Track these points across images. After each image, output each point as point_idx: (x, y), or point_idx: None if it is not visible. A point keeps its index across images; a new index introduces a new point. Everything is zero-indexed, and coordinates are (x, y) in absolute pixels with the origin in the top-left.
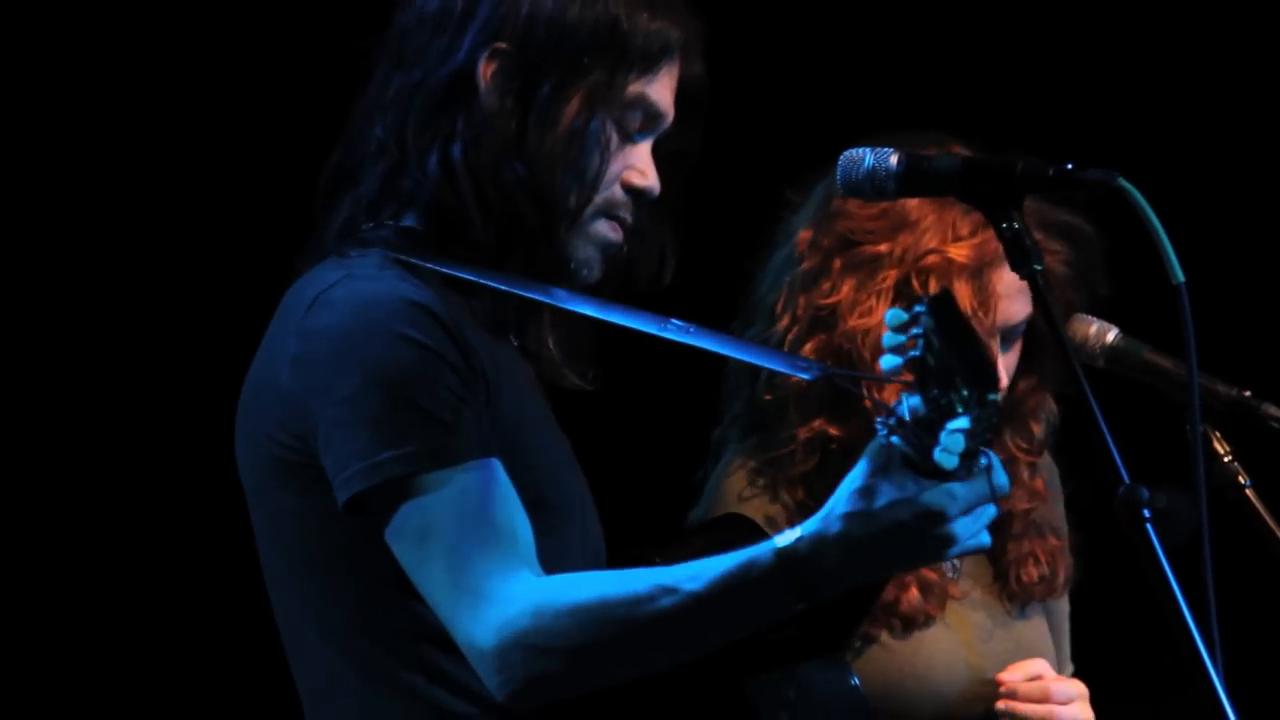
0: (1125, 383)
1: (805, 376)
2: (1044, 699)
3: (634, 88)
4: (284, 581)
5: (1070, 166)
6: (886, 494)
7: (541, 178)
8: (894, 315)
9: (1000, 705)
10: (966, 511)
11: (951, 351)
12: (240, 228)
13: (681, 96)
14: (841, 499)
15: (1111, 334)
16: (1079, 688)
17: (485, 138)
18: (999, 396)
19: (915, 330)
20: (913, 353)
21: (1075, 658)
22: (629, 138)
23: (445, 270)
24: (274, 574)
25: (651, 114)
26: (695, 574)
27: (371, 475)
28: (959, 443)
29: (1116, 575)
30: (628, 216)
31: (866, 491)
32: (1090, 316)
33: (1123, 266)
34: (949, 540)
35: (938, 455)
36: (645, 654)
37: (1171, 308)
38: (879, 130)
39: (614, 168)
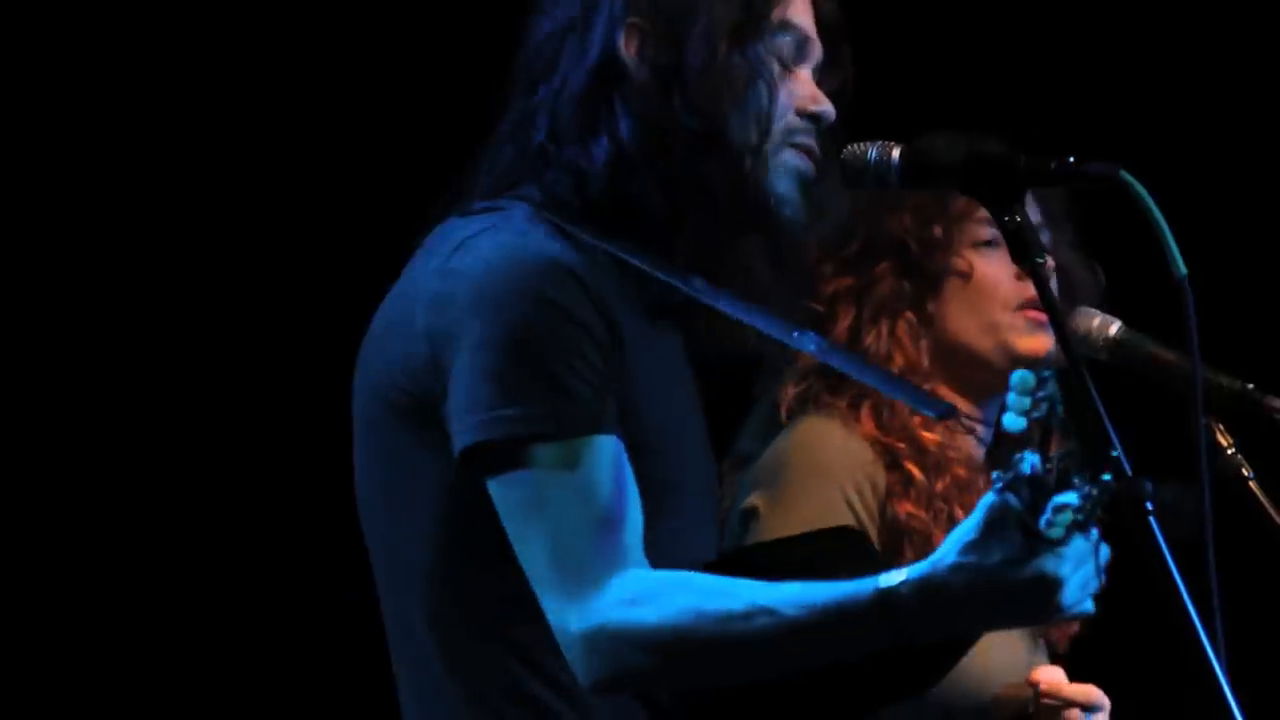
0: (1128, 376)
1: (931, 414)
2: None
3: (775, 13)
4: (380, 518)
5: (1073, 160)
6: (999, 551)
7: (716, 122)
8: (1021, 378)
9: (1044, 688)
10: (1074, 578)
11: (1073, 424)
12: (243, 233)
13: (822, 32)
14: (952, 549)
15: (1114, 327)
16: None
17: (646, 108)
18: (1112, 480)
19: (1041, 394)
20: (1036, 414)
21: (1077, 653)
22: (786, 66)
23: (594, 242)
24: (370, 510)
25: (799, 40)
26: (794, 599)
27: (490, 429)
28: (1066, 518)
29: (1118, 570)
30: (811, 142)
31: (978, 546)
32: (1093, 310)
33: (1125, 260)
34: (1056, 606)
35: (1043, 526)
36: (732, 667)
37: (1174, 301)
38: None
39: (783, 96)
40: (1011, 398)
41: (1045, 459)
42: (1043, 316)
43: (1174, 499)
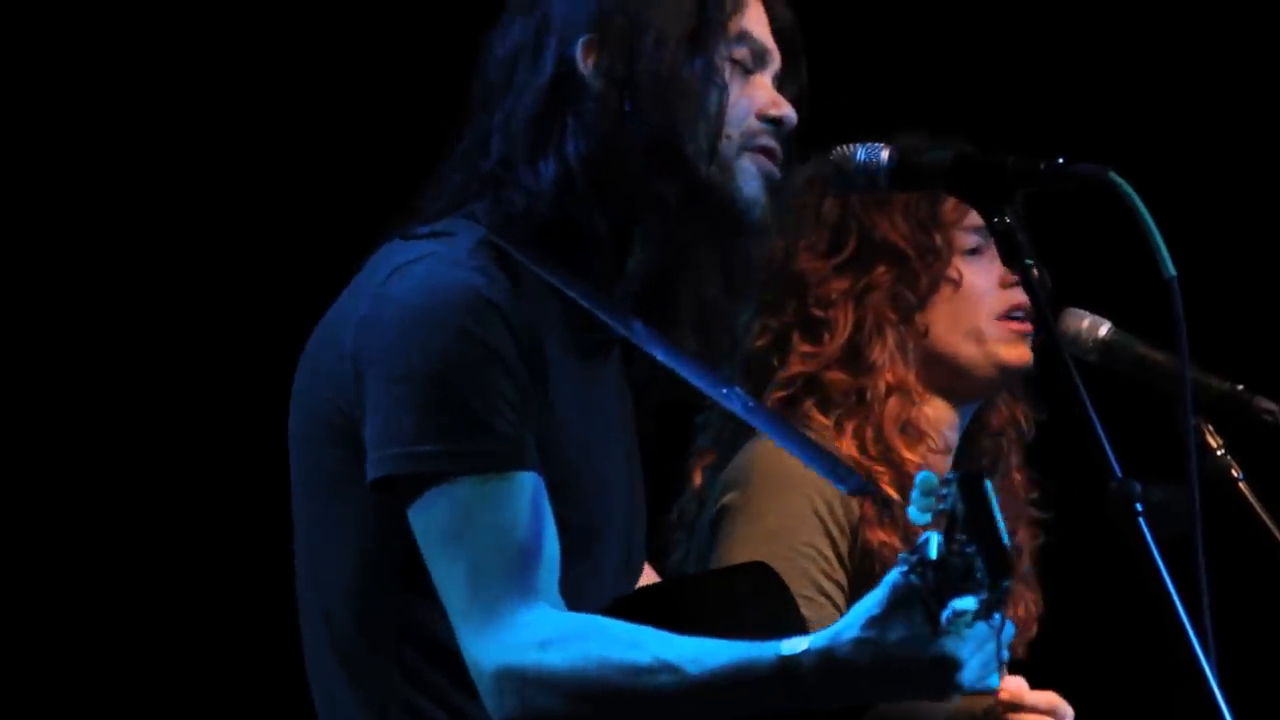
0: (1117, 377)
1: (842, 488)
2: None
3: (732, 25)
4: (303, 529)
5: (1062, 161)
6: (900, 629)
7: (669, 130)
8: (925, 479)
9: (1006, 696)
10: (974, 660)
11: (973, 529)
12: (239, 234)
13: (779, 42)
14: (854, 624)
15: (1104, 329)
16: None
17: (599, 123)
18: (1011, 583)
19: (944, 491)
20: (942, 506)
21: (1067, 655)
22: (747, 70)
23: (540, 272)
24: (297, 519)
25: (757, 49)
26: (698, 658)
27: (405, 463)
28: (965, 620)
29: (1108, 571)
30: (772, 143)
31: (879, 622)
32: (1083, 311)
33: (1114, 261)
34: (955, 685)
35: (943, 622)
36: (635, 718)
37: (1163, 302)
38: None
39: (739, 100)
40: (915, 495)
41: (950, 543)
42: (1025, 327)
43: (1163, 500)
